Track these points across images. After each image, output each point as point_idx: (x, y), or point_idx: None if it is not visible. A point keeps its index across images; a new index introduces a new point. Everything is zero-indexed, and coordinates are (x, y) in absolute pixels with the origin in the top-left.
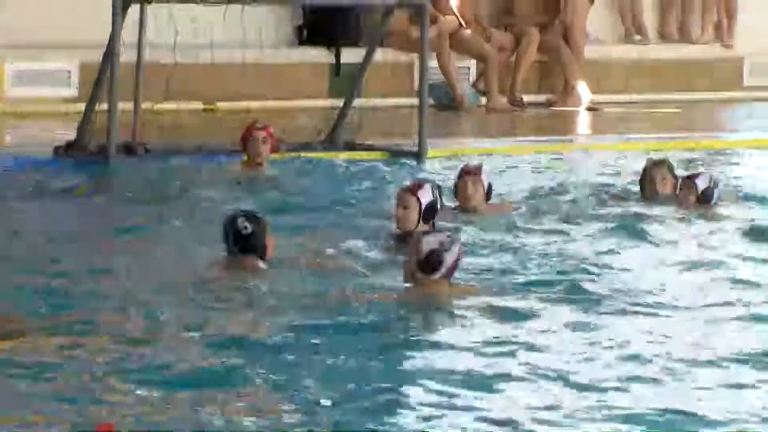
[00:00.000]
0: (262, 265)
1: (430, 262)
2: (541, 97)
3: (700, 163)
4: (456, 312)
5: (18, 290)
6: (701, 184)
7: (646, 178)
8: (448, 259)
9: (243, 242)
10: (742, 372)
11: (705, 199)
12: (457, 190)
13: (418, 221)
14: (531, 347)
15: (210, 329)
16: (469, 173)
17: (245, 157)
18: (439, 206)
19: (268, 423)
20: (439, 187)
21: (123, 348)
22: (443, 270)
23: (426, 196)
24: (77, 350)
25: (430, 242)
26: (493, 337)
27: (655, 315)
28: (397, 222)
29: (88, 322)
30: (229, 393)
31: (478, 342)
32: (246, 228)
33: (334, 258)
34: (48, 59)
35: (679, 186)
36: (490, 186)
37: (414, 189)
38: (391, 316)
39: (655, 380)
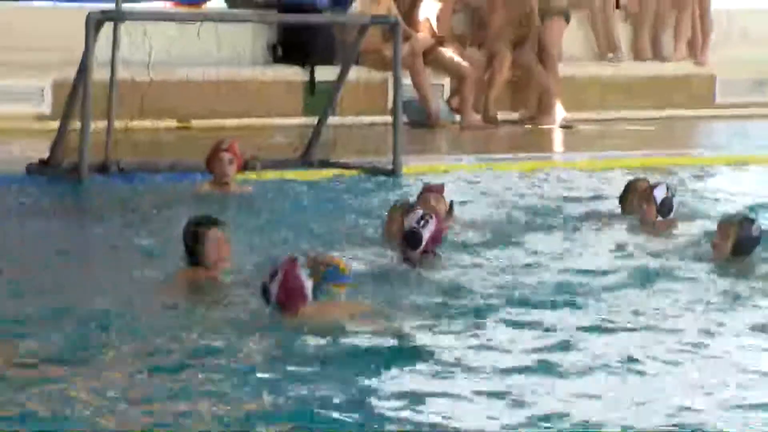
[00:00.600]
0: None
1: (410, 239)
2: (515, 115)
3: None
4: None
5: None
6: (659, 194)
7: (627, 193)
8: (426, 234)
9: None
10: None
11: (665, 210)
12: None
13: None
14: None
15: (161, 340)
16: (431, 191)
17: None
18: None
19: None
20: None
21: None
22: (423, 245)
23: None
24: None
25: (409, 221)
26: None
27: (622, 330)
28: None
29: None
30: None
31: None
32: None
33: None
34: (21, 76)
35: (637, 199)
36: (451, 204)
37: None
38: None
39: (616, 396)
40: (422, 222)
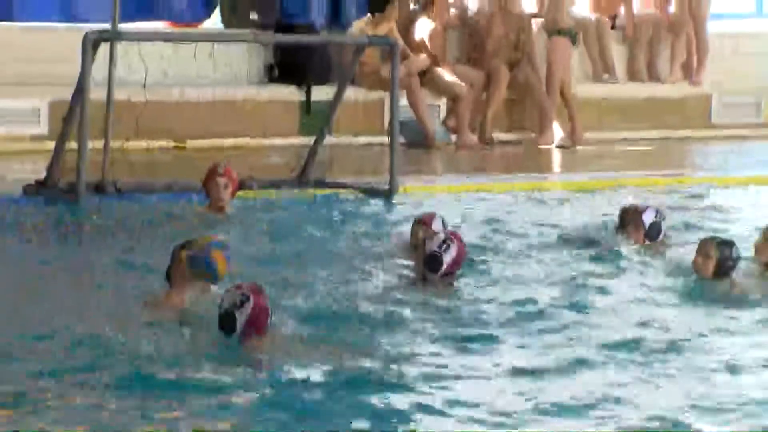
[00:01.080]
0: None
1: (431, 263)
2: (512, 136)
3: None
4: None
5: None
6: (647, 218)
7: (626, 214)
8: (447, 258)
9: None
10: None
11: (653, 234)
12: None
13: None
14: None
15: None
16: (421, 223)
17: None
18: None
19: None
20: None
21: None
22: (444, 268)
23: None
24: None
25: (430, 245)
26: None
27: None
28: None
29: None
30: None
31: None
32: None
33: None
34: (17, 96)
35: (625, 221)
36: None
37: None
38: None
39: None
40: (444, 246)
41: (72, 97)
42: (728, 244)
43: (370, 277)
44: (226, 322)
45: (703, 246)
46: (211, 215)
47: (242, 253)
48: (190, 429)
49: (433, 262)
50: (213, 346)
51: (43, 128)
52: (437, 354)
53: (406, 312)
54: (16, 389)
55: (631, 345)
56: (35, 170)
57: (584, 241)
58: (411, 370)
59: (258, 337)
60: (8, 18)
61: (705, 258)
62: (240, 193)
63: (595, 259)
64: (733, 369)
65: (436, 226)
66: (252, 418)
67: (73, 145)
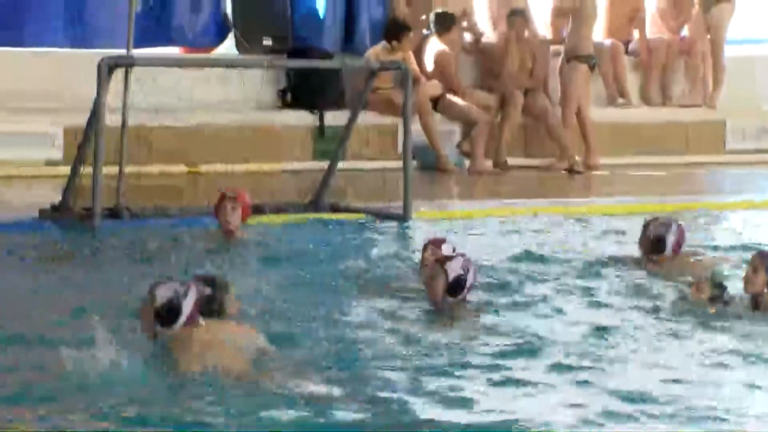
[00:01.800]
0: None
1: (455, 287)
2: (526, 161)
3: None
4: None
5: None
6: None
7: (644, 236)
8: (470, 281)
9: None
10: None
11: (659, 246)
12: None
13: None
14: None
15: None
16: (432, 244)
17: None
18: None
19: None
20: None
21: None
22: (466, 292)
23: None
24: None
25: (453, 268)
26: None
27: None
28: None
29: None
30: None
31: None
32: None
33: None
34: (32, 122)
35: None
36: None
37: (442, 260)
38: None
39: None
40: (466, 268)
41: (87, 122)
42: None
43: (382, 303)
44: (170, 312)
45: (755, 260)
46: (221, 239)
47: (251, 277)
48: None
49: (457, 286)
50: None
51: (58, 153)
52: (457, 376)
53: (419, 336)
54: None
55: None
56: (50, 195)
57: (599, 265)
58: (426, 397)
59: (193, 325)
60: (19, 44)
61: (754, 272)
62: (254, 217)
63: (611, 282)
64: None
65: (446, 250)
66: None
67: (88, 170)
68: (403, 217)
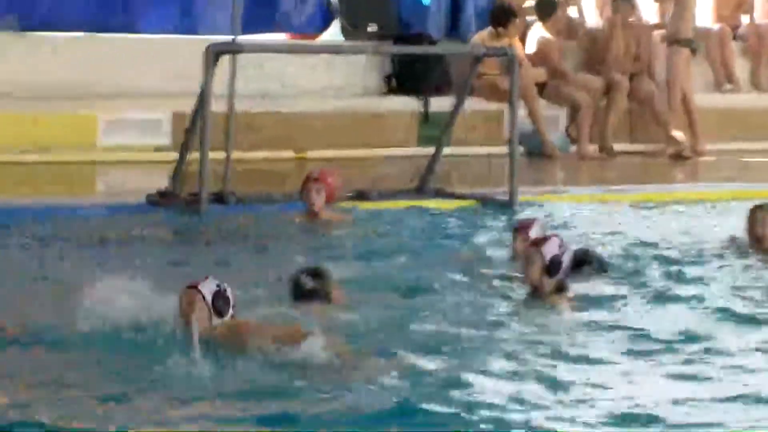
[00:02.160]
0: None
1: (554, 267)
2: (631, 146)
3: None
4: None
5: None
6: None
7: (750, 222)
8: (566, 261)
9: (306, 298)
10: None
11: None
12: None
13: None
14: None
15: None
16: (519, 230)
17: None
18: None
19: None
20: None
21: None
22: (563, 273)
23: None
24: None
25: (549, 249)
26: None
27: None
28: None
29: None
30: None
31: None
32: (307, 284)
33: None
34: (140, 108)
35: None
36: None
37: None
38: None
39: None
40: (562, 249)
41: (194, 108)
42: None
43: (483, 288)
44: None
45: None
46: (305, 222)
47: (351, 264)
48: None
49: (555, 266)
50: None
51: (166, 139)
52: (552, 366)
53: (515, 323)
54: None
55: None
56: (158, 180)
57: (706, 252)
58: (521, 384)
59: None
60: (132, 30)
61: None
62: (360, 203)
63: (719, 269)
64: None
65: (535, 232)
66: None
67: (195, 155)
68: (508, 203)
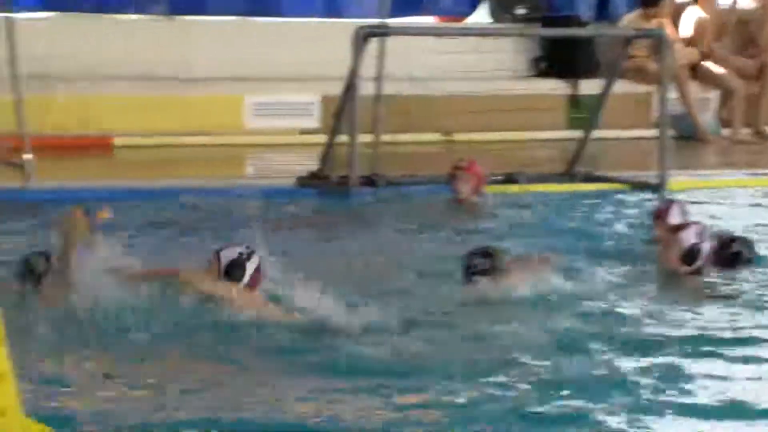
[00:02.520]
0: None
1: (691, 255)
2: None
3: None
4: None
5: None
6: None
7: None
8: (705, 250)
9: (478, 274)
10: None
11: None
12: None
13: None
14: None
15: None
16: (658, 215)
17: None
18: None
19: None
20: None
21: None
22: (702, 261)
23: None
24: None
25: (688, 237)
26: None
27: None
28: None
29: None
30: None
31: None
32: (476, 266)
33: None
34: (290, 91)
35: None
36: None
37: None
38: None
39: None
40: (701, 237)
41: (343, 92)
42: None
43: (621, 273)
44: (236, 269)
45: None
46: (453, 208)
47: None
48: None
49: (691, 254)
50: None
51: (315, 122)
52: (685, 354)
53: (654, 308)
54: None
55: None
56: (308, 162)
57: None
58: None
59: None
60: (277, 14)
61: None
62: (507, 187)
63: None
64: None
65: (675, 217)
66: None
67: (344, 138)
68: (658, 187)
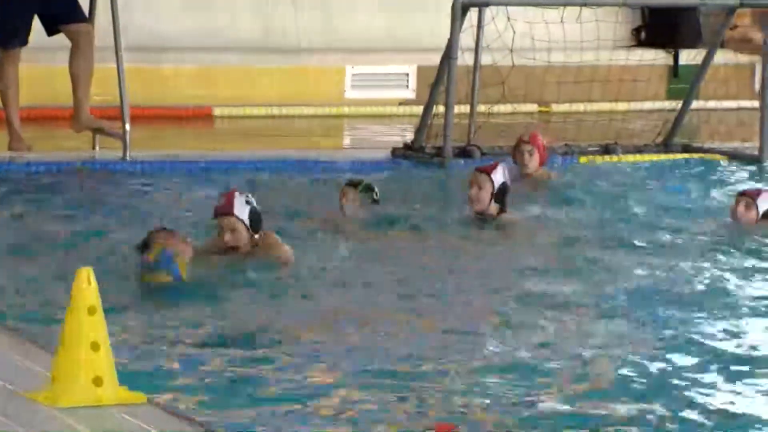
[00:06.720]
0: None
1: None
2: None
3: None
4: None
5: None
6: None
7: None
8: None
9: None
10: None
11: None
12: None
13: (491, 201)
14: None
15: None
16: (745, 196)
17: None
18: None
19: None
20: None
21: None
22: None
23: (498, 177)
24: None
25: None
26: None
27: None
28: (471, 202)
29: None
30: None
31: None
32: None
33: None
34: (386, 62)
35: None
36: None
37: (488, 169)
38: None
39: None
40: None
41: (440, 63)
42: None
43: (700, 248)
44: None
45: None
46: (518, 182)
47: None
48: None
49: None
50: None
51: (411, 93)
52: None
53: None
54: None
55: None
56: (403, 134)
57: None
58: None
59: None
60: None
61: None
62: (607, 158)
63: None
64: None
65: (498, 176)
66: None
67: (440, 109)
68: (758, 158)
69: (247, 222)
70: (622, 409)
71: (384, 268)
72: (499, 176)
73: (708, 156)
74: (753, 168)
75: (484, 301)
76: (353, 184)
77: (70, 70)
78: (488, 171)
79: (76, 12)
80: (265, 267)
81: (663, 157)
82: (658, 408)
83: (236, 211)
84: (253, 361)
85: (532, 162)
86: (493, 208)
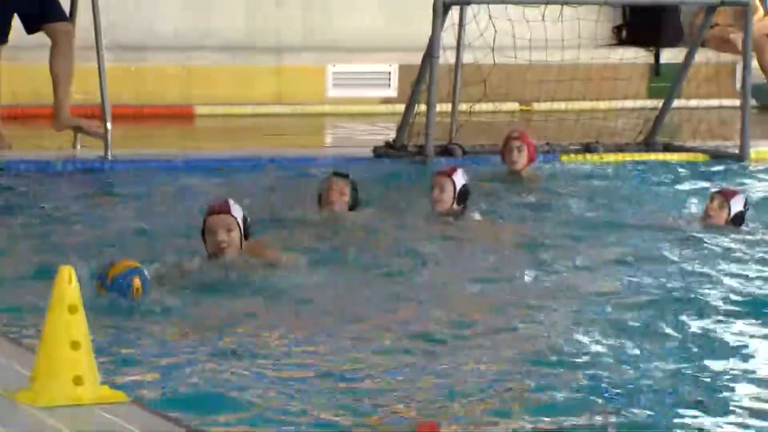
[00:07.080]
0: None
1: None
2: None
3: None
4: None
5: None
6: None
7: None
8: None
9: None
10: None
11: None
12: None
13: (453, 202)
14: None
15: None
16: (719, 194)
17: None
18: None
19: None
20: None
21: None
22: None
23: (459, 179)
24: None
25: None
26: None
27: None
28: (434, 203)
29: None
30: None
31: None
32: None
33: None
34: (368, 61)
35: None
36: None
37: (448, 171)
38: None
39: None
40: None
41: (421, 62)
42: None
43: (673, 244)
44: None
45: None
46: (507, 178)
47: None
48: None
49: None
50: None
51: (392, 91)
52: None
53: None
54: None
55: None
56: (385, 132)
57: None
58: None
59: None
60: None
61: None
62: (588, 156)
63: None
64: None
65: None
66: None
67: (421, 107)
68: (740, 157)
69: (241, 225)
70: (587, 416)
71: (374, 267)
72: (459, 178)
73: (689, 155)
74: (734, 167)
75: (451, 300)
76: (342, 175)
77: (51, 69)
78: (449, 173)
79: (56, 11)
80: (252, 268)
81: (644, 156)
82: (628, 411)
83: (233, 212)
84: (238, 361)
85: (521, 158)
86: (456, 208)
